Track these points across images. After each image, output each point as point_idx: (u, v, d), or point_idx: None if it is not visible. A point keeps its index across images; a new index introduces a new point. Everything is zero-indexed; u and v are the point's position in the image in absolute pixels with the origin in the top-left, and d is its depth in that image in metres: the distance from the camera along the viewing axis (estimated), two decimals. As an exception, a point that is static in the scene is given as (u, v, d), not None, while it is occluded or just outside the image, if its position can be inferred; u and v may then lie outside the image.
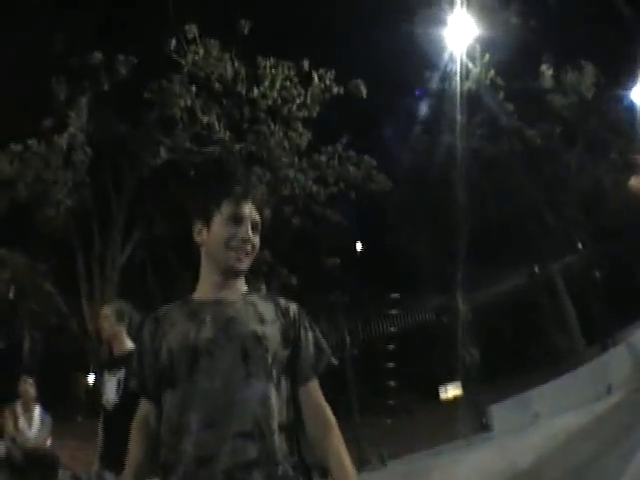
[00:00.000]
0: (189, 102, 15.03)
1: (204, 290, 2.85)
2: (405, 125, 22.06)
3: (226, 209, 2.77)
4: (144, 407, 2.88)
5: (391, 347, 14.57)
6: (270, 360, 2.71)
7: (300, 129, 15.85)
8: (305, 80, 15.67)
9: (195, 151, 15.54)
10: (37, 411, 8.46)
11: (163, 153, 15.24)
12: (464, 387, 14.72)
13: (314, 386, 2.84)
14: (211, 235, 2.79)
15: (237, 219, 2.77)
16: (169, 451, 2.62)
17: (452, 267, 16.60)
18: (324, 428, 2.78)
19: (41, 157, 14.52)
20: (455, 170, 21.19)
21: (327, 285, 15.66)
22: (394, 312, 14.31)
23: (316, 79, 15.50)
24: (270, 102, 15.59)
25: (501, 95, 19.85)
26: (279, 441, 2.63)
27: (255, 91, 15.43)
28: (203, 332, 2.69)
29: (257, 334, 2.71)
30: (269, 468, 2.57)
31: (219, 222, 2.78)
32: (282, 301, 2.92)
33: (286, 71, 15.40)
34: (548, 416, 12.64)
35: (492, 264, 18.89)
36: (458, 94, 19.03)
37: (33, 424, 8.30)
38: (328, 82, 15.51)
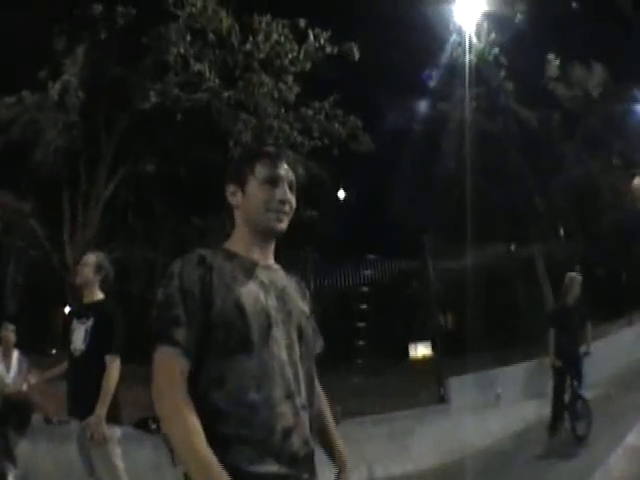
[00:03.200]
0: (182, 50, 15.21)
1: (241, 249, 2.69)
2: (397, 91, 22.05)
3: (261, 172, 2.66)
4: (181, 364, 2.40)
5: (363, 307, 14.47)
6: (313, 340, 2.77)
7: (290, 83, 16.13)
8: (300, 38, 15.93)
9: (184, 98, 15.66)
10: (15, 356, 8.49)
11: (153, 97, 15.39)
12: (434, 350, 14.63)
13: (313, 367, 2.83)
14: (247, 198, 2.67)
15: (273, 181, 2.66)
16: (240, 424, 2.41)
17: (431, 235, 16.68)
18: (325, 410, 2.94)
19: (35, 103, 14.82)
20: (446, 138, 21.37)
21: (303, 238, 15.86)
22: (368, 272, 14.22)
23: (311, 37, 15.78)
24: (263, 55, 15.83)
25: (502, 73, 20.07)
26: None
27: (248, 44, 15.66)
28: (270, 298, 2.59)
29: (306, 313, 2.74)
30: (312, 439, 2.62)
31: (255, 185, 2.66)
32: (296, 277, 2.91)
33: (281, 29, 15.65)
34: (510, 399, 12.63)
35: (473, 237, 18.86)
36: (463, 66, 19.41)
37: (11, 369, 8.38)
38: (322, 41, 15.80)
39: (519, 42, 19.89)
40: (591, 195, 23.11)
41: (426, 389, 13.33)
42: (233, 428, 2.39)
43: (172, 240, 17.69)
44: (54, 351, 17.91)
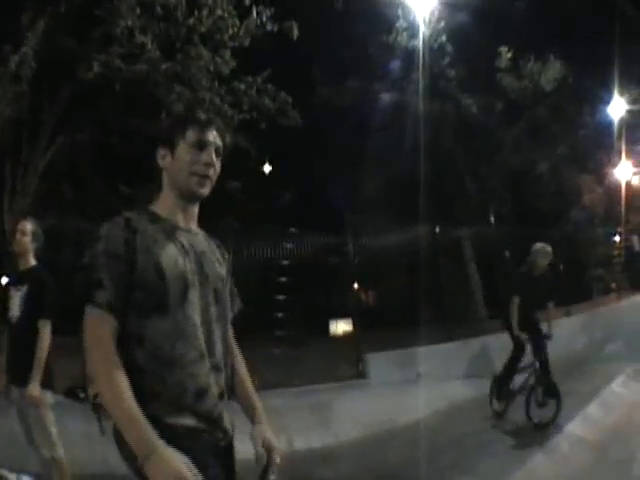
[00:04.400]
0: (130, 22, 15.27)
1: (165, 212, 2.86)
2: (334, 70, 22.23)
3: (190, 136, 2.80)
4: (108, 324, 2.60)
5: (283, 279, 14.69)
6: (229, 303, 3.01)
7: (227, 57, 16.37)
8: (244, 14, 16.22)
9: (125, 69, 15.73)
10: None
11: (96, 68, 15.42)
12: (354, 327, 14.99)
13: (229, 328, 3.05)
14: (175, 160, 2.82)
15: (201, 145, 2.80)
16: (155, 380, 2.61)
17: (355, 212, 16.85)
18: (240, 367, 3.15)
19: None
20: (378, 118, 21.62)
21: (224, 208, 16.03)
22: (289, 246, 14.42)
23: (254, 14, 16.02)
24: (204, 29, 16.05)
25: (446, 60, 20.41)
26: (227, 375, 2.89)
27: (192, 19, 15.91)
28: (188, 261, 2.75)
29: (222, 277, 2.93)
30: (224, 399, 2.84)
31: (184, 148, 2.81)
32: (216, 241, 3.10)
33: (225, 5, 15.91)
34: (431, 378, 13.07)
35: (399, 216, 19.09)
36: (406, 51, 19.77)
37: None
38: (265, 19, 16.06)
39: (470, 32, 20.39)
40: (529, 182, 23.52)
41: (345, 364, 13.84)
42: (149, 384, 2.59)
43: (100, 209, 17.78)
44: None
